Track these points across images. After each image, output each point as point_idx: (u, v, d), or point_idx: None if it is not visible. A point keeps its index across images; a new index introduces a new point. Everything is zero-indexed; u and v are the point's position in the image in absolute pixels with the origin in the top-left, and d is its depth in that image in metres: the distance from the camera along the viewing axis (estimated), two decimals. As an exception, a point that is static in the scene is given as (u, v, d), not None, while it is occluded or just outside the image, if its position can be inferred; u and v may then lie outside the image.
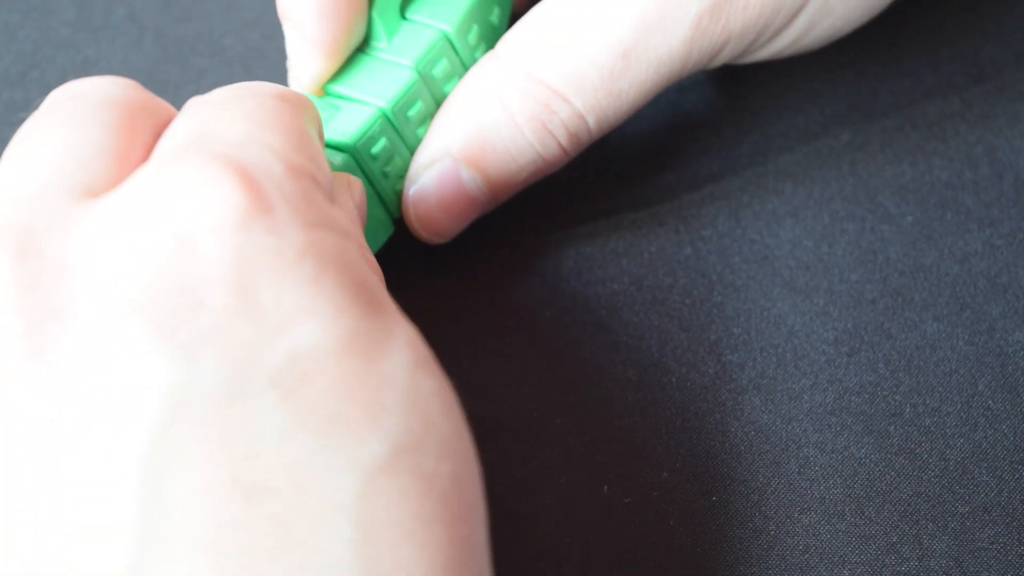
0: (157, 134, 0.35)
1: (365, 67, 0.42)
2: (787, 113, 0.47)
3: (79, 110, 0.34)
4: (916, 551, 0.40)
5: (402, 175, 0.42)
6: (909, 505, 0.40)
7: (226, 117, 0.34)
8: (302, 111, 0.36)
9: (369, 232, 0.42)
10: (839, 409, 0.42)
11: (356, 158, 0.41)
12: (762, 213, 0.45)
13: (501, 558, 0.40)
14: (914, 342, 0.43)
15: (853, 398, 0.42)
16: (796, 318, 0.43)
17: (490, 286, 0.44)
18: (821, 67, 0.48)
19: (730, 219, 0.45)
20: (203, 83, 0.48)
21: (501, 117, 0.41)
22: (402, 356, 0.32)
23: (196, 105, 0.35)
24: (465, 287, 0.44)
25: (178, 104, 0.48)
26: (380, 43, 0.42)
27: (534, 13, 0.42)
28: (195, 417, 0.30)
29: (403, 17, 0.43)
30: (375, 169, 0.42)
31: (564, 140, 0.42)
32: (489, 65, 0.42)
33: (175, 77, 0.48)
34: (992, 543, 0.40)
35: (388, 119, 0.41)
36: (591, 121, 0.42)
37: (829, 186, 0.46)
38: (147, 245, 0.31)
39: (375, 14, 0.42)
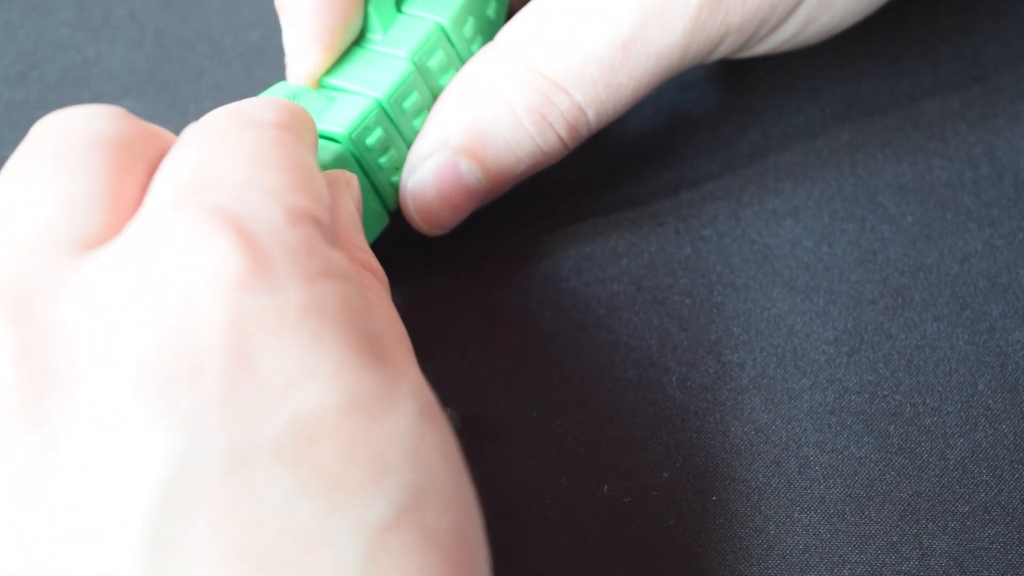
0: (152, 168, 0.34)
1: (361, 59, 0.42)
2: (787, 112, 0.47)
3: (68, 152, 0.33)
4: (916, 551, 0.40)
5: (398, 167, 0.42)
6: (909, 505, 0.40)
7: (224, 154, 0.33)
8: (303, 138, 0.36)
9: (365, 224, 0.42)
10: (839, 409, 0.42)
11: (351, 149, 0.41)
12: (762, 213, 0.45)
13: (501, 558, 0.40)
14: (914, 342, 0.43)
15: (853, 398, 0.42)
16: (796, 318, 0.43)
17: (490, 286, 0.44)
18: (821, 67, 0.48)
19: (730, 219, 0.45)
20: (203, 83, 0.48)
21: (501, 109, 0.41)
22: (407, 410, 0.32)
23: (194, 136, 0.34)
24: (465, 286, 0.44)
25: (178, 104, 0.48)
26: (376, 35, 0.42)
27: (533, 6, 0.42)
28: (199, 488, 0.29)
29: (399, 10, 0.43)
30: (371, 160, 0.42)
31: (564, 132, 0.42)
32: (488, 57, 0.42)
33: (175, 77, 0.48)
34: (992, 542, 0.40)
35: (384, 110, 0.41)
36: (591, 114, 0.42)
37: (829, 186, 0.46)
38: (144, 311, 0.30)
39: (371, 7, 0.42)
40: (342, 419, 0.30)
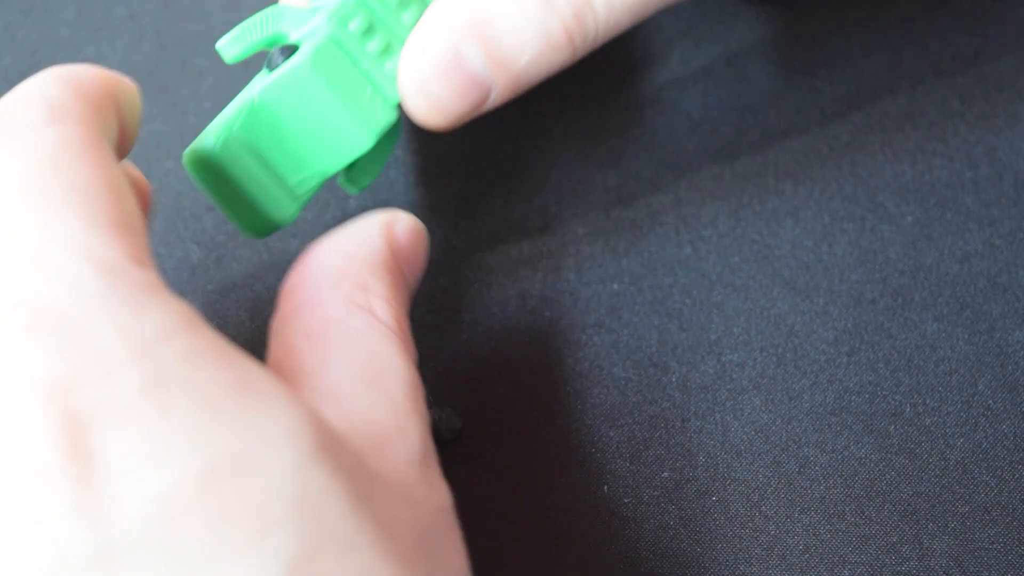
0: None
1: None
2: (787, 113, 0.47)
3: None
4: (916, 551, 0.40)
5: (390, 51, 0.41)
6: (909, 505, 0.40)
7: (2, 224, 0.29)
8: (91, 118, 0.31)
9: (372, 127, 0.40)
10: (839, 409, 0.42)
11: (336, 36, 0.39)
12: (762, 213, 0.45)
13: (501, 558, 0.40)
14: (914, 342, 0.43)
15: (853, 398, 0.42)
16: (796, 318, 0.43)
17: (489, 286, 0.44)
18: (821, 66, 0.48)
19: (730, 219, 0.45)
20: (203, 83, 0.48)
21: None
22: (284, 458, 0.29)
23: None
24: (464, 287, 0.44)
25: (178, 104, 0.48)
26: None
27: None
28: None
29: None
30: (357, 48, 0.40)
31: (571, 21, 0.40)
32: None
33: (175, 77, 0.48)
34: (992, 543, 0.40)
35: None
36: (599, 5, 0.40)
37: (829, 186, 0.46)
38: None
39: None
40: (206, 488, 0.28)
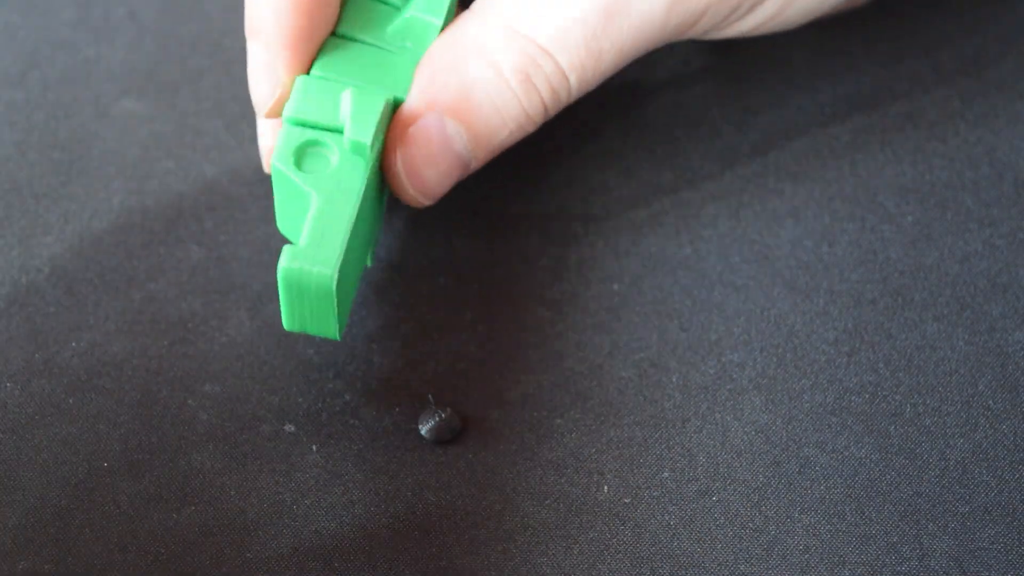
0: None
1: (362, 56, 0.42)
2: (787, 113, 0.47)
3: None
4: (916, 551, 0.40)
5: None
6: (909, 505, 0.40)
7: None
8: None
9: (367, 218, 0.41)
10: (839, 409, 0.42)
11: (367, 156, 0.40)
12: (762, 213, 0.45)
13: (501, 558, 0.40)
14: (914, 342, 0.43)
15: (853, 398, 0.42)
16: (796, 318, 0.43)
17: (490, 286, 0.44)
18: (821, 66, 0.48)
19: (730, 219, 0.45)
20: (203, 83, 0.48)
21: (487, 71, 0.41)
22: None
23: None
24: (465, 287, 0.44)
25: (178, 104, 0.48)
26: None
27: None
28: None
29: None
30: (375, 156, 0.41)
31: (547, 96, 0.42)
32: (472, 20, 0.42)
33: (175, 77, 0.48)
34: (992, 543, 0.40)
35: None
36: (573, 79, 0.42)
37: (829, 186, 0.46)
38: None
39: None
40: None
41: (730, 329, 0.43)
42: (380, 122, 0.40)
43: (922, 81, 0.48)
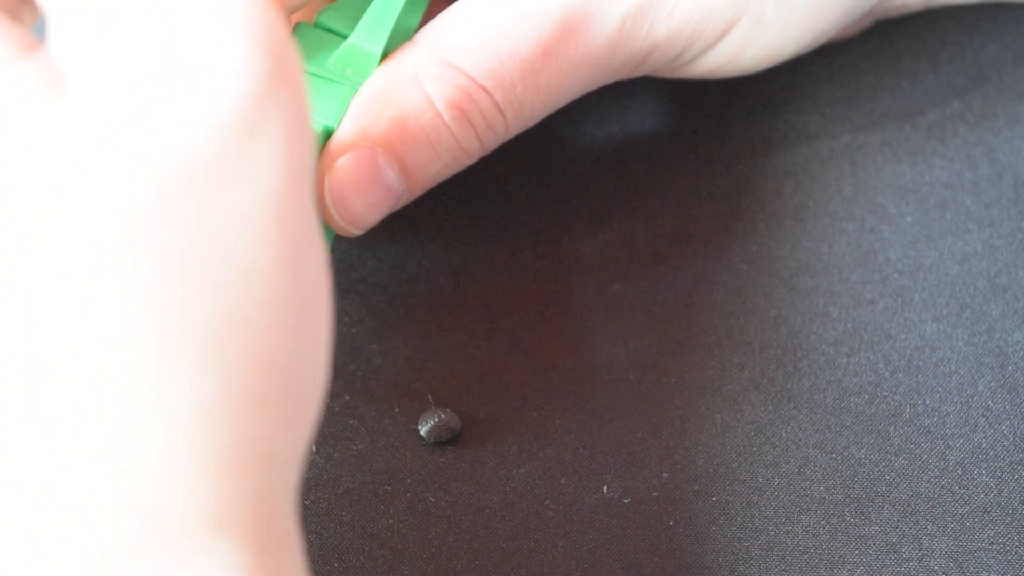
0: None
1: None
2: (786, 113, 0.47)
3: None
4: (916, 551, 0.40)
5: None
6: (909, 506, 0.40)
7: None
8: None
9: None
10: (839, 409, 0.42)
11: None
12: (762, 213, 0.45)
13: (501, 558, 0.40)
14: (914, 342, 0.43)
15: (853, 398, 0.42)
16: (796, 318, 0.43)
17: (490, 286, 0.44)
18: (821, 67, 0.48)
19: (730, 219, 0.45)
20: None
21: (422, 104, 0.41)
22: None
23: None
24: (465, 287, 0.44)
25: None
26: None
27: (457, 5, 0.41)
28: None
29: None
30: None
31: (482, 131, 0.41)
32: (409, 53, 0.41)
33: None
34: (992, 543, 0.40)
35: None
36: (509, 115, 0.41)
37: (829, 186, 0.46)
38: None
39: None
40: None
41: (730, 329, 0.43)
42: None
43: (922, 81, 0.48)
